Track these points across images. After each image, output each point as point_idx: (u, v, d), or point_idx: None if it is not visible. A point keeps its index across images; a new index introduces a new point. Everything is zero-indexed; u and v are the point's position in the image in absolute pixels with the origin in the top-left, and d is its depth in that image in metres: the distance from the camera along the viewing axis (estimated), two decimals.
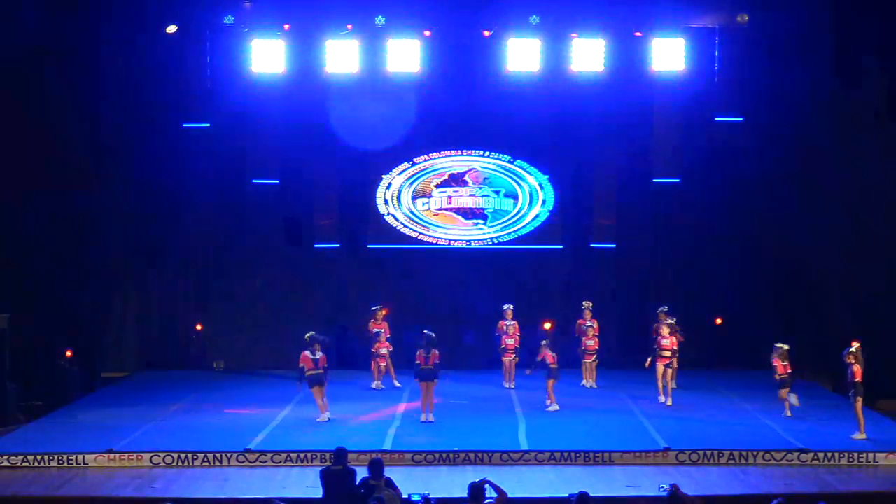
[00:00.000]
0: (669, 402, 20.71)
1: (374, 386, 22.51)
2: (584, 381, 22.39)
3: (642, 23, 23.64)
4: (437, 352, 19.70)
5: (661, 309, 22.27)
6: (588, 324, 22.25)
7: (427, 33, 23.65)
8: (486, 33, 23.76)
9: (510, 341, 22.18)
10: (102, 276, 24.83)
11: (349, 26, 23.52)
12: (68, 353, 22.85)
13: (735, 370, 24.25)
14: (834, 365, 23.17)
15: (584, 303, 22.55)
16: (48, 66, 23.46)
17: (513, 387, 22.09)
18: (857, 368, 18.60)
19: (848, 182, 24.24)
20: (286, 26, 23.62)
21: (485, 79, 24.33)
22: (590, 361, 22.35)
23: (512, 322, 22.18)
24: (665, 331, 21.08)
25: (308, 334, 19.84)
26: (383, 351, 22.34)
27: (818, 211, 24.56)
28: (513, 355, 22.22)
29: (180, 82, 24.05)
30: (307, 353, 19.57)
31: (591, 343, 22.25)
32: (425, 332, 20.01)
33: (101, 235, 24.67)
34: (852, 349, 18.75)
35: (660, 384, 20.95)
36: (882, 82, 23.65)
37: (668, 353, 20.99)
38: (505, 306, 22.34)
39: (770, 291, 24.91)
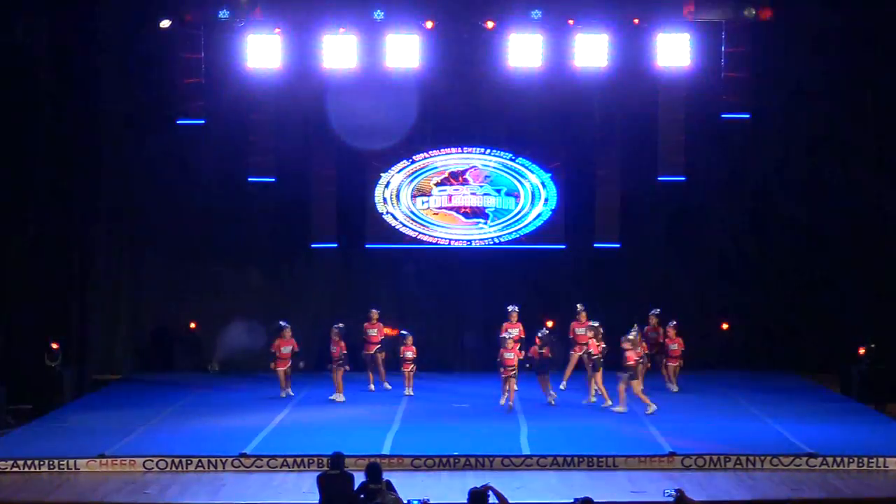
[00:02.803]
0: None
1: (370, 388, 22.65)
2: (562, 384, 22.22)
3: (647, 17, 23.62)
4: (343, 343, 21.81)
5: (652, 312, 22.29)
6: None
7: (429, 24, 23.60)
8: (490, 25, 23.72)
9: (509, 355, 20.58)
10: (93, 276, 24.80)
11: (341, 29, 23.49)
12: (54, 346, 22.77)
13: (741, 372, 24.23)
14: (842, 366, 23.24)
15: (578, 305, 22.45)
16: (40, 61, 23.42)
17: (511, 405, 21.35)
18: (629, 354, 19.99)
19: (858, 181, 24.22)
20: (277, 30, 23.60)
21: (485, 75, 24.30)
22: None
23: (516, 330, 21.67)
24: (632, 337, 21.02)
25: (281, 323, 21.89)
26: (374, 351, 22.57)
27: (826, 210, 24.53)
28: (512, 371, 20.56)
29: (174, 78, 24.02)
30: (279, 339, 21.81)
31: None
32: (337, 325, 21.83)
33: (93, 235, 24.62)
34: (630, 336, 20.07)
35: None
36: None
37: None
38: (510, 308, 22.19)
39: (777, 292, 24.88)
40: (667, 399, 21.63)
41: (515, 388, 20.73)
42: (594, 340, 20.65)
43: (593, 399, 21.12)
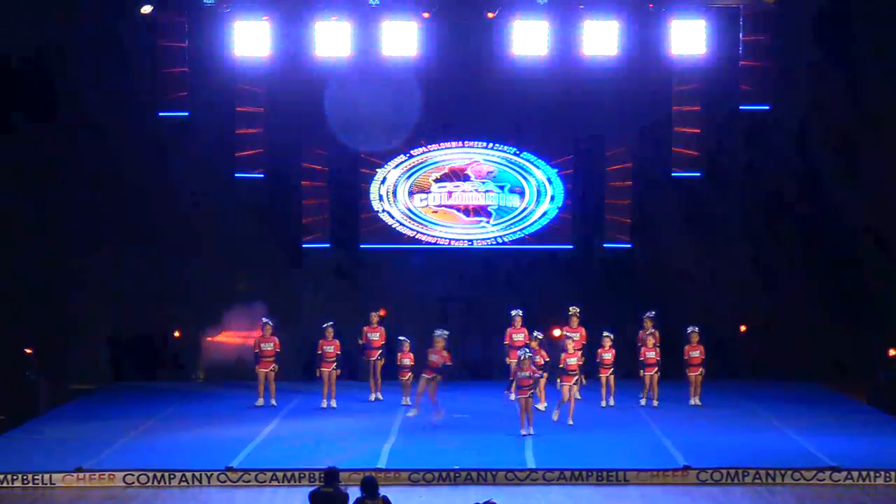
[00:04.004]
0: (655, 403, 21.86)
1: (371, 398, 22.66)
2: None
3: (660, 2, 23.64)
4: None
5: (647, 314, 22.27)
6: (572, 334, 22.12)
7: (426, 15, 23.66)
8: (490, 15, 23.76)
9: (524, 374, 19.61)
10: (71, 279, 24.77)
11: (334, 16, 23.52)
12: (28, 351, 22.77)
13: (760, 380, 24.28)
14: (868, 374, 23.25)
15: (570, 308, 22.44)
16: (15, 49, 23.43)
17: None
18: (433, 359, 20.70)
19: (887, 175, 24.22)
20: (265, 16, 23.63)
21: (488, 64, 24.34)
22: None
23: (521, 335, 21.75)
24: (650, 341, 21.84)
25: (263, 319, 22.02)
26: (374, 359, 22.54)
27: (852, 208, 24.53)
28: (529, 393, 19.67)
29: (156, 68, 24.03)
30: (259, 337, 21.90)
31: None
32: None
33: (69, 236, 24.60)
34: (439, 342, 20.82)
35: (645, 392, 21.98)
36: None
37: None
38: (514, 312, 22.24)
39: (800, 295, 24.88)
40: (681, 409, 21.66)
41: (544, 405, 20.41)
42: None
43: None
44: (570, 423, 20.24)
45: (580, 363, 21.29)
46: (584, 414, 20.97)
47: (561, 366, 20.77)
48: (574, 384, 20.68)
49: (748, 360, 25.02)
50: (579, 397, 21.57)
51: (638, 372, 22.17)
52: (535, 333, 21.44)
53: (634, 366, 22.32)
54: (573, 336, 21.56)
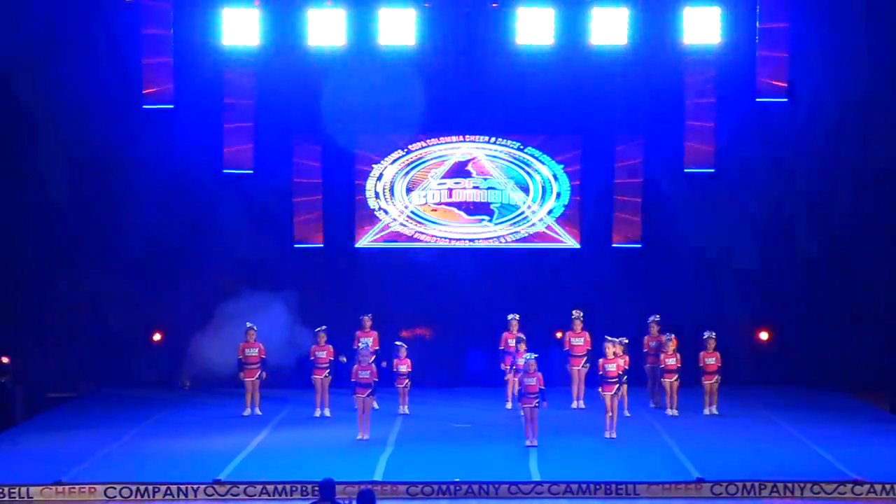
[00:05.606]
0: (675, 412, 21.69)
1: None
2: (573, 403, 22.23)
3: None
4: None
5: (652, 318, 22.20)
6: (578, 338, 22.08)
7: (427, 4, 23.70)
8: (494, 4, 23.82)
9: (531, 381, 19.40)
10: (47, 280, 24.75)
11: (328, 4, 23.54)
12: (4, 360, 22.75)
13: (779, 389, 24.30)
14: (894, 383, 23.23)
15: (573, 311, 22.39)
16: None
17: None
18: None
19: None
20: (256, 2, 23.65)
21: (491, 54, 24.42)
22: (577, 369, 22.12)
23: (519, 341, 21.77)
24: (670, 347, 21.55)
25: (247, 324, 22.03)
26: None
27: (874, 206, 24.55)
28: (535, 402, 19.45)
29: (140, 57, 24.02)
30: (243, 342, 21.93)
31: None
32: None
33: (47, 234, 24.59)
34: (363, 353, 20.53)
35: (668, 400, 21.75)
36: None
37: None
38: (510, 316, 22.20)
39: (819, 297, 24.89)
40: (695, 418, 21.62)
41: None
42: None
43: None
44: (613, 435, 20.01)
45: (621, 370, 20.39)
46: (592, 424, 20.93)
47: (600, 373, 20.40)
48: (615, 394, 20.16)
49: (765, 366, 24.98)
50: (628, 414, 21.31)
51: (646, 379, 22.16)
52: (519, 334, 21.37)
53: (639, 372, 22.25)
54: (614, 340, 20.98)
